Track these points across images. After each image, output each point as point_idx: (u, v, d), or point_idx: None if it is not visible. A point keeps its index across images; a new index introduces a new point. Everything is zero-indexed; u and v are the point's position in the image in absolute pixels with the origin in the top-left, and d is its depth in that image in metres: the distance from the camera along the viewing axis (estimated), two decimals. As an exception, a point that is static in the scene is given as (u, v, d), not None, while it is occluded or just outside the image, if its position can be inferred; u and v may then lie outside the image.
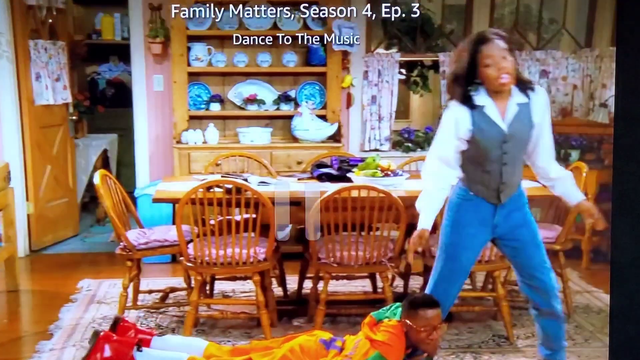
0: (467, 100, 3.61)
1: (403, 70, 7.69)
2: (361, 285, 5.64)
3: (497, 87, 3.55)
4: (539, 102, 3.65)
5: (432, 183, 3.71)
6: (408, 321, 3.60)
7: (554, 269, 5.19)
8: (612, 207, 1.46)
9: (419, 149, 7.11)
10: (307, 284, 5.23)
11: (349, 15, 6.61)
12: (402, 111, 8.32)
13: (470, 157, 3.68)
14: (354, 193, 4.50)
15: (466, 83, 3.60)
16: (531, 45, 7.41)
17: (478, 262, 4.61)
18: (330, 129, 6.66)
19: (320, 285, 4.71)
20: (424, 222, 3.69)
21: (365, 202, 4.47)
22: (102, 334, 3.95)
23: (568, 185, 3.81)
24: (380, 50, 7.43)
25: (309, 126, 6.61)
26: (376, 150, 6.98)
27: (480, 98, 3.61)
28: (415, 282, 5.51)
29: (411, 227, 4.82)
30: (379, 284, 5.08)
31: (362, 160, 5.17)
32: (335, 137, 6.68)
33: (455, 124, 3.63)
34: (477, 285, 5.48)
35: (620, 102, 1.42)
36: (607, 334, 4.65)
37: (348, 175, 5.04)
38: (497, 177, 3.66)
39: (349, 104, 7.06)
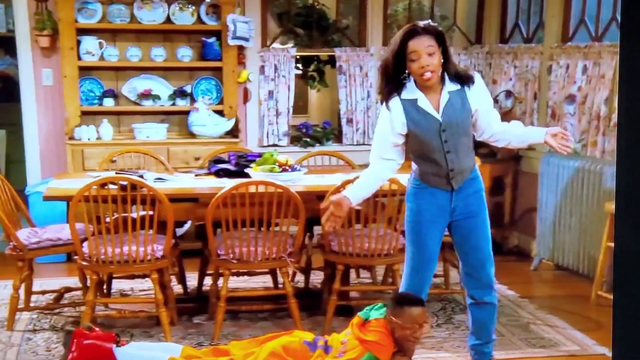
0: (398, 95, 3.65)
1: (300, 65, 7.72)
2: (262, 281, 5.62)
3: (421, 81, 3.61)
4: (474, 88, 3.71)
5: (362, 174, 3.80)
6: (394, 318, 3.58)
7: (450, 261, 5.34)
8: (616, 205, 1.47)
9: (318, 144, 7.14)
10: (208, 281, 5.18)
11: (243, 9, 6.58)
12: (301, 106, 8.34)
13: (414, 151, 3.74)
14: (252, 188, 4.48)
15: (395, 75, 3.64)
16: (424, 40, 7.55)
17: (378, 256, 4.69)
18: (227, 125, 6.60)
19: (221, 282, 4.67)
20: (347, 192, 3.75)
21: (263, 197, 4.46)
22: (74, 332, 3.82)
23: (521, 132, 3.85)
24: (277, 45, 7.42)
25: (206, 121, 6.54)
26: (274, 145, 6.97)
27: (412, 91, 3.65)
28: (317, 277, 5.54)
29: (311, 221, 4.86)
30: (280, 279, 5.07)
31: (260, 155, 5.15)
32: (233, 133, 6.63)
33: (390, 121, 3.67)
34: (378, 279, 5.56)
35: (623, 99, 1.43)
36: (502, 323, 4.82)
37: (246, 170, 5.01)
38: (444, 165, 3.70)
39: (246, 99, 7.02)
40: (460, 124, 3.68)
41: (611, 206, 5.14)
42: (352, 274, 5.61)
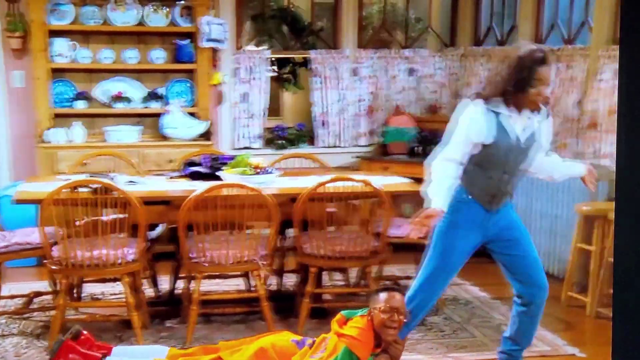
0: (487, 103, 3.64)
1: (274, 68, 7.70)
2: (235, 284, 5.60)
3: (528, 107, 3.62)
4: (547, 124, 3.77)
5: (440, 172, 3.68)
6: (372, 307, 3.60)
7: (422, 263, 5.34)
8: (615, 207, 1.47)
9: (292, 147, 7.13)
10: (181, 284, 5.15)
11: (217, 11, 6.57)
12: (275, 109, 8.31)
13: (477, 161, 3.71)
14: (225, 191, 4.46)
15: (508, 92, 3.61)
16: (399, 43, 7.57)
17: (350, 258, 4.68)
18: (200, 127, 6.58)
19: (193, 285, 4.64)
20: (437, 202, 3.61)
21: (236, 200, 4.43)
22: (63, 342, 3.75)
23: (563, 167, 3.91)
24: (251, 47, 7.40)
25: (179, 124, 6.50)
26: (248, 148, 6.95)
27: (499, 105, 3.64)
28: (289, 280, 5.52)
29: (284, 224, 4.85)
30: (253, 282, 5.05)
31: (233, 158, 5.13)
32: (206, 135, 6.60)
33: (473, 127, 3.64)
34: (351, 281, 5.55)
35: (622, 102, 1.43)
36: (474, 325, 4.84)
37: (219, 173, 4.98)
38: (496, 184, 3.72)
39: (219, 101, 6.99)
40: (527, 152, 3.72)
41: (581, 208, 5.17)
42: (325, 276, 5.60)
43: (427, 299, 3.86)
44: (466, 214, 3.75)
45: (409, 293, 3.89)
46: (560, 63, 5.96)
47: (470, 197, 3.74)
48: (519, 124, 3.66)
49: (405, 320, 3.65)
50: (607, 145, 5.46)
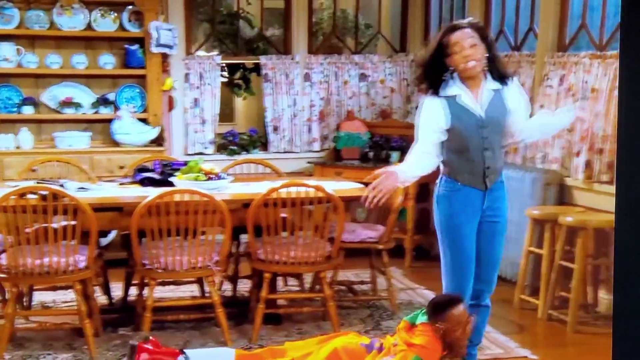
0: (439, 91, 3.65)
1: (225, 73, 7.67)
2: (189, 291, 5.55)
3: (464, 73, 3.62)
4: (512, 89, 3.75)
5: (410, 157, 3.73)
6: (439, 325, 3.54)
7: (377, 268, 5.38)
8: (616, 207, 1.47)
9: (244, 152, 7.11)
10: (134, 291, 5.09)
11: (167, 16, 6.52)
12: (227, 114, 8.29)
13: (452, 147, 3.72)
14: (177, 197, 4.42)
15: (436, 72, 3.65)
16: (350, 49, 7.62)
17: (304, 264, 4.69)
18: (152, 133, 6.52)
19: (146, 291, 4.59)
20: (401, 166, 3.66)
21: (188, 206, 4.41)
22: (137, 345, 3.76)
23: (547, 120, 3.91)
24: (201, 53, 7.36)
25: (130, 130, 6.44)
26: (200, 153, 6.91)
27: (454, 87, 3.66)
28: (244, 286, 5.49)
29: (237, 230, 4.83)
30: (207, 288, 5.01)
31: (185, 164, 5.09)
32: (158, 141, 6.55)
33: (432, 117, 3.67)
34: (306, 286, 5.55)
35: (623, 104, 1.43)
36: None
37: (171, 179, 4.94)
38: (481, 163, 3.71)
39: (170, 107, 6.93)
40: (500, 122, 3.72)
41: (532, 212, 5.25)
42: (280, 281, 5.59)
43: (460, 288, 3.82)
44: (462, 200, 3.76)
45: (443, 289, 3.90)
46: (509, 69, 6.06)
47: (460, 184, 3.75)
48: (480, 99, 3.68)
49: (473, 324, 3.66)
50: (556, 150, 5.55)
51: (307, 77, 7.26)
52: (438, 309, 3.60)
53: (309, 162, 7.09)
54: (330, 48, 7.59)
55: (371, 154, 6.86)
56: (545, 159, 5.65)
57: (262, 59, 7.19)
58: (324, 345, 3.77)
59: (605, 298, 5.15)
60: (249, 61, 7.60)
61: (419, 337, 3.58)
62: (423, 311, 3.70)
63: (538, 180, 5.48)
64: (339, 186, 5.07)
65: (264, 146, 7.33)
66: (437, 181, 3.86)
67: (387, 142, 6.89)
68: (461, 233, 3.78)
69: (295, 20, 7.27)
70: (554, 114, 3.98)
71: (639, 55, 1.39)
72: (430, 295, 5.67)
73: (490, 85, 3.70)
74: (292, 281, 5.74)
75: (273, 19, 7.93)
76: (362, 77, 7.41)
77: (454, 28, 3.63)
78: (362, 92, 7.42)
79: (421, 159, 3.76)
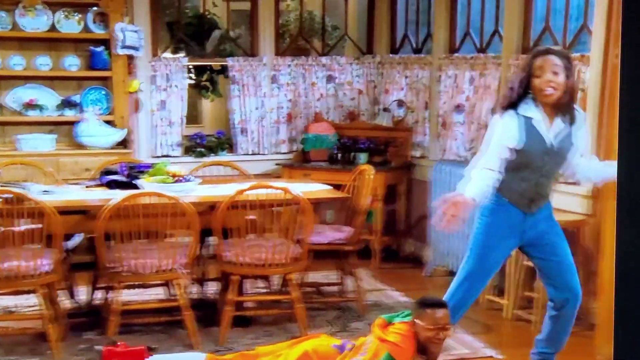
0: (517, 110, 3.70)
1: (192, 75, 7.63)
2: (156, 294, 5.51)
3: (541, 98, 3.67)
4: (581, 127, 3.81)
5: (478, 176, 3.70)
6: (417, 320, 3.59)
7: (345, 269, 5.39)
8: (617, 207, 1.47)
9: (212, 154, 7.06)
10: (100, 295, 5.04)
11: (132, 18, 6.47)
12: (194, 116, 8.24)
13: (510, 165, 3.74)
14: (144, 200, 4.39)
15: (520, 93, 3.70)
16: (317, 51, 7.62)
17: (272, 266, 4.68)
18: (118, 135, 6.46)
19: (112, 295, 4.55)
20: (469, 192, 3.62)
21: (155, 208, 4.38)
22: (104, 350, 3.77)
23: (597, 167, 3.93)
24: (168, 55, 7.31)
25: (96, 132, 6.38)
26: (167, 156, 6.85)
27: (530, 109, 3.70)
28: (211, 288, 5.47)
29: (204, 232, 4.81)
30: (174, 291, 4.98)
31: (152, 166, 5.07)
32: (124, 143, 6.50)
33: (509, 134, 3.69)
34: (274, 288, 5.54)
35: (624, 101, 1.43)
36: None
37: (137, 182, 4.91)
38: (533, 187, 3.77)
39: (137, 109, 6.88)
40: (565, 154, 3.78)
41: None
42: (248, 284, 5.57)
43: (467, 296, 3.92)
44: (503, 217, 3.82)
45: (450, 289, 3.94)
46: (474, 71, 6.11)
47: (507, 200, 3.80)
48: (552, 127, 3.73)
49: (449, 334, 3.68)
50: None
51: (274, 79, 7.24)
52: (422, 304, 3.68)
53: (276, 164, 7.08)
54: (298, 50, 7.58)
55: (339, 156, 6.87)
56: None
57: (229, 61, 7.16)
58: (295, 347, 3.77)
59: (570, 297, 5.20)
60: (215, 63, 7.57)
61: (392, 334, 3.61)
62: (403, 313, 3.73)
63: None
64: (306, 188, 5.07)
65: (232, 148, 7.30)
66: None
67: (355, 143, 6.91)
68: (491, 246, 3.84)
69: (261, 22, 7.25)
70: (604, 163, 4.02)
71: (639, 55, 1.40)
72: (397, 296, 5.71)
73: (561, 116, 3.76)
74: (260, 283, 5.73)
75: (240, 20, 7.91)
76: (330, 78, 7.41)
77: (540, 53, 3.71)
78: (329, 94, 7.42)
79: (485, 179, 3.71)
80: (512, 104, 3.75)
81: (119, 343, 3.93)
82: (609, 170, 3.89)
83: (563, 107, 3.73)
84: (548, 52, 3.72)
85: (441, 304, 3.68)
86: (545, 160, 3.76)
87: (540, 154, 3.74)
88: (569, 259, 3.93)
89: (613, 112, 4.47)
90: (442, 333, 3.61)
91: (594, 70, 4.81)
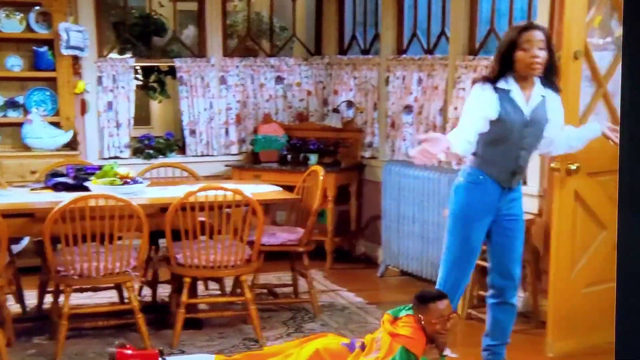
0: (494, 83, 3.74)
1: (140, 76, 7.55)
2: (107, 297, 5.42)
3: (527, 71, 3.71)
4: (555, 100, 3.85)
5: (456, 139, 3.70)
6: (421, 316, 3.58)
7: (298, 270, 5.39)
8: (619, 204, 1.47)
9: (161, 156, 6.99)
10: (49, 299, 4.95)
11: (76, 18, 6.37)
12: (143, 117, 8.15)
13: (490, 140, 3.78)
14: (92, 202, 4.33)
15: (502, 66, 3.73)
16: (265, 52, 7.61)
17: (224, 267, 4.66)
18: (65, 137, 6.36)
19: (62, 299, 4.48)
20: (451, 139, 3.65)
21: (104, 211, 4.32)
22: (117, 352, 3.74)
23: (575, 133, 3.98)
24: (114, 55, 7.21)
25: (41, 134, 6.26)
26: (116, 157, 6.76)
27: (507, 83, 3.75)
28: (164, 291, 5.41)
29: (155, 234, 4.77)
30: (126, 294, 4.92)
31: (100, 168, 5.00)
32: (71, 145, 6.39)
33: (483, 105, 3.73)
34: (227, 290, 5.51)
35: (626, 98, 1.43)
36: (351, 330, 4.91)
37: (85, 184, 4.84)
38: (514, 161, 3.81)
39: (83, 110, 6.77)
40: (542, 127, 3.83)
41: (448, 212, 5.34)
42: (201, 286, 5.54)
43: (459, 281, 3.94)
44: (480, 194, 3.85)
45: (439, 279, 3.97)
46: (422, 72, 6.18)
47: (487, 177, 3.83)
48: (530, 101, 3.79)
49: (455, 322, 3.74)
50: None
51: (223, 80, 7.21)
52: (422, 300, 3.68)
53: (227, 166, 7.04)
54: (246, 51, 7.56)
55: (289, 157, 6.87)
56: (462, 160, 5.77)
57: (177, 62, 7.10)
58: (304, 346, 3.80)
59: (520, 296, 5.28)
60: (163, 64, 7.50)
61: (403, 327, 3.63)
62: (407, 307, 3.75)
63: (454, 182, 5.58)
64: (257, 189, 5.07)
65: (181, 150, 7.24)
66: (460, 172, 3.97)
67: (305, 144, 6.91)
68: (472, 225, 3.89)
69: (209, 23, 7.20)
70: (580, 128, 4.10)
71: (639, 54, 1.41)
72: (351, 296, 5.73)
73: (539, 90, 3.83)
74: (213, 285, 5.69)
75: (187, 20, 7.85)
76: (278, 80, 7.41)
77: (530, 27, 3.76)
78: (278, 95, 7.41)
79: (464, 144, 3.75)
80: (489, 79, 3.81)
81: (128, 345, 3.93)
82: (588, 132, 4.00)
83: (542, 80, 3.82)
84: (533, 27, 3.79)
85: (441, 296, 3.72)
86: (524, 133, 3.82)
87: (520, 126, 3.79)
88: (520, 250, 4.03)
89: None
90: (448, 323, 3.66)
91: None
